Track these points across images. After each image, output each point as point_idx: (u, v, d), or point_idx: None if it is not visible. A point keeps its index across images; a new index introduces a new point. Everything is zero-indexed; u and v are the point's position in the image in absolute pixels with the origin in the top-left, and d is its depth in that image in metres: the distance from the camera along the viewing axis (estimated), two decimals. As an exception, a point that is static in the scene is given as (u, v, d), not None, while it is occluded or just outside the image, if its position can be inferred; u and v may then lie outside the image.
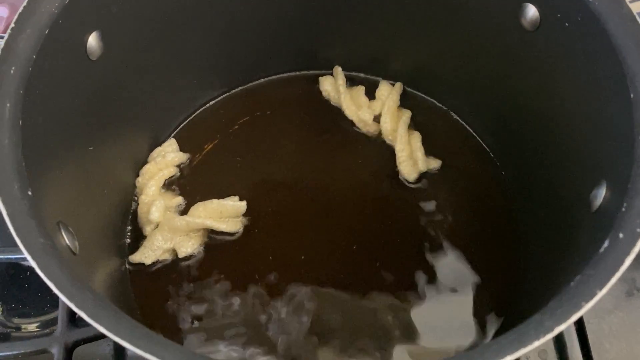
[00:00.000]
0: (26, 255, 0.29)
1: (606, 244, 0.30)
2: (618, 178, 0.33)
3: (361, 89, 0.56)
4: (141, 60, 0.46)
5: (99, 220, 0.45)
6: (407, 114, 0.54)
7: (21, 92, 0.34)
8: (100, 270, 0.42)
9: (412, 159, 0.52)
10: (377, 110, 0.54)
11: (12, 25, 0.35)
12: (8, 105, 0.33)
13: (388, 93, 0.55)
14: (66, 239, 0.34)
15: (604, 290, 0.28)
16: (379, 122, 0.54)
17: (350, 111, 0.55)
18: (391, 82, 0.56)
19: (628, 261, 0.29)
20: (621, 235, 0.30)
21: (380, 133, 0.54)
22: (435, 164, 0.53)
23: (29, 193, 0.31)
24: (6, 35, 0.34)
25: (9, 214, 0.30)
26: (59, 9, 0.36)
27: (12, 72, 0.34)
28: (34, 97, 0.35)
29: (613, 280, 0.28)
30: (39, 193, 0.32)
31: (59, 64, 0.37)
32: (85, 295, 0.28)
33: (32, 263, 0.28)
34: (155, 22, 0.45)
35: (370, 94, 0.56)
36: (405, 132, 0.53)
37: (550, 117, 0.44)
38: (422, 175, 0.52)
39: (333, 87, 0.56)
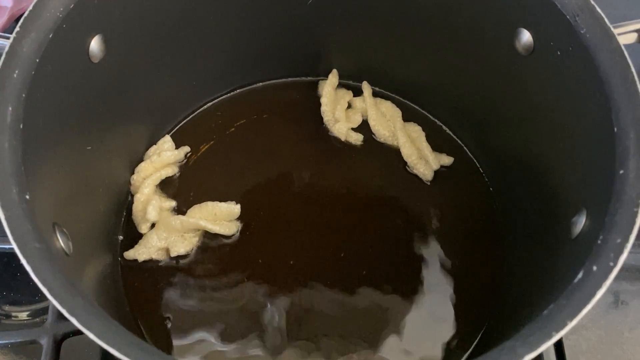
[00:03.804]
0: (22, 259, 0.29)
1: (580, 275, 0.31)
2: (597, 209, 0.34)
3: (344, 100, 0.56)
4: (141, 63, 0.47)
5: (93, 218, 0.46)
6: (398, 116, 0.55)
7: (23, 95, 0.34)
8: (92, 267, 0.43)
9: (422, 158, 0.53)
10: (356, 122, 0.56)
11: (17, 29, 0.35)
12: (10, 109, 0.33)
13: (362, 102, 0.56)
14: (60, 241, 0.35)
15: (574, 322, 0.29)
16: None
17: (330, 126, 0.56)
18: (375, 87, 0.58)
19: (599, 294, 0.29)
20: (595, 268, 0.31)
21: (364, 140, 0.55)
22: (447, 160, 0.54)
23: (27, 197, 0.32)
24: (11, 39, 0.35)
25: (6, 218, 0.30)
26: (64, 14, 0.37)
27: (15, 75, 0.34)
28: (36, 101, 0.35)
29: (584, 311, 0.29)
30: (36, 196, 0.33)
31: (61, 67, 0.38)
32: (77, 301, 0.29)
33: (27, 268, 0.29)
34: (156, 26, 0.46)
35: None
36: (405, 136, 0.53)
37: (537, 140, 0.45)
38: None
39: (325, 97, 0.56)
